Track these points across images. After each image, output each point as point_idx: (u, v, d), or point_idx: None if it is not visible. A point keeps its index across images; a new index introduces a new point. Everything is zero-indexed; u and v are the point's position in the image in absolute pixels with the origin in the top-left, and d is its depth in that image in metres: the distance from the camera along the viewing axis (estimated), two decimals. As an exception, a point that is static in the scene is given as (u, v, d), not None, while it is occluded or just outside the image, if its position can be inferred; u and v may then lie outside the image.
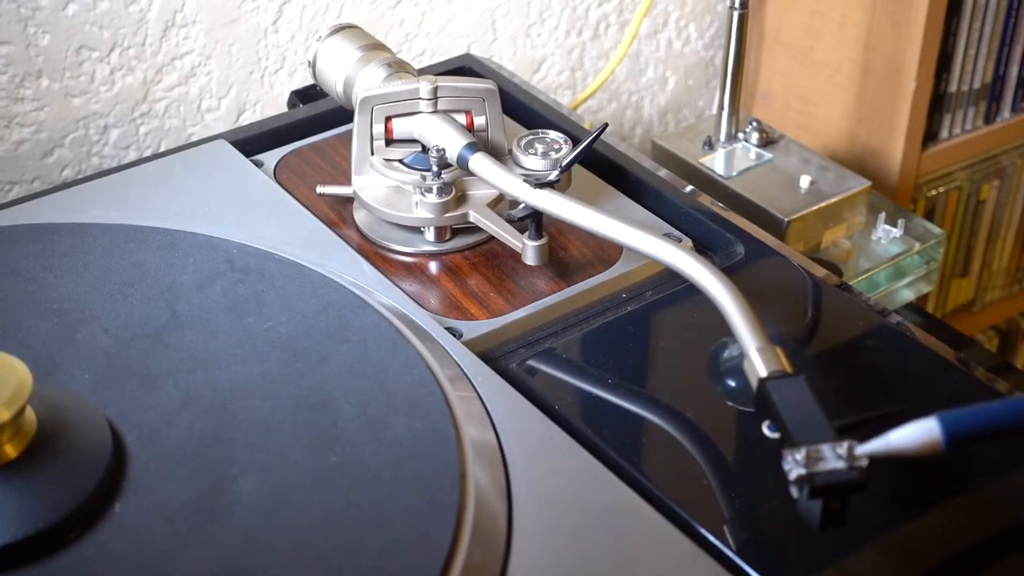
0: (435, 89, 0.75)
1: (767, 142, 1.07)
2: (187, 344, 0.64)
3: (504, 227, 0.73)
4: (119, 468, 0.56)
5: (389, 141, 0.76)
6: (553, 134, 0.78)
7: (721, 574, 0.54)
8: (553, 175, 0.72)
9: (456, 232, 0.76)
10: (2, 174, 1.02)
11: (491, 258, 0.76)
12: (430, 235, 0.76)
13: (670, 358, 0.69)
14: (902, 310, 1.02)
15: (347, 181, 0.78)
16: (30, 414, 0.55)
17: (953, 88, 1.24)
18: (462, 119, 0.76)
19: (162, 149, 1.07)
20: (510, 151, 0.77)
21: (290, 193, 0.78)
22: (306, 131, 0.87)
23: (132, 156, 1.07)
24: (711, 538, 0.57)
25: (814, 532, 0.54)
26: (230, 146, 0.83)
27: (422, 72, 0.83)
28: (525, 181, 0.71)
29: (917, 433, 0.53)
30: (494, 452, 0.59)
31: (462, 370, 0.64)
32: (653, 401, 0.65)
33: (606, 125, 0.75)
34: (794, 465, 0.53)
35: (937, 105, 1.24)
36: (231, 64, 1.08)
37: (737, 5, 1.01)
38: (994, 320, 1.46)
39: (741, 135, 1.07)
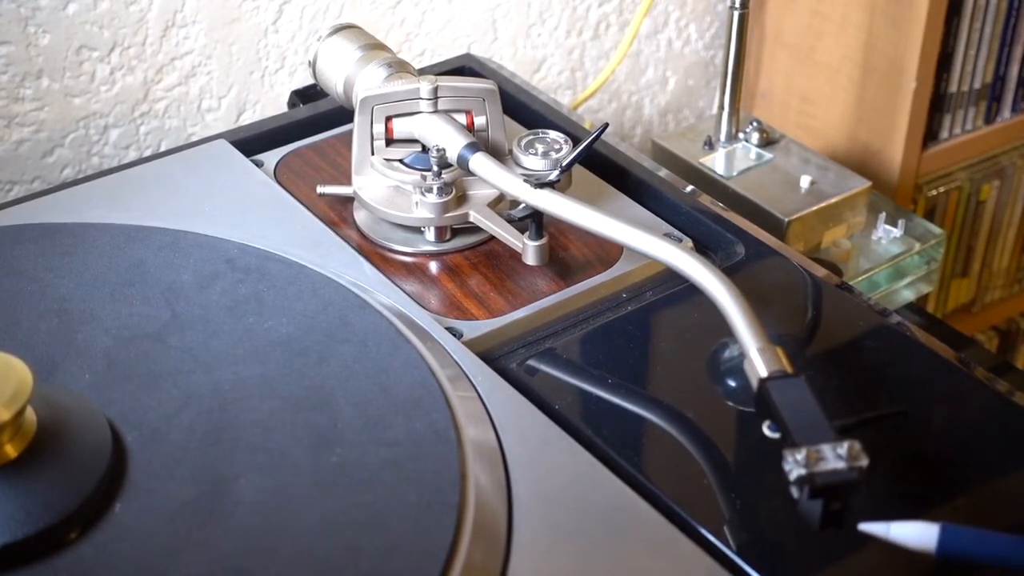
0: (435, 89, 0.75)
1: (767, 142, 1.07)
2: (187, 344, 0.64)
3: (504, 227, 0.73)
4: (119, 468, 0.56)
5: (389, 141, 0.76)
6: (553, 134, 0.78)
7: (721, 574, 0.54)
8: (553, 175, 0.72)
9: (456, 232, 0.76)
10: (2, 174, 1.02)
11: (491, 258, 0.76)
12: (430, 235, 0.76)
13: (670, 358, 0.69)
14: (902, 310, 1.02)
15: (347, 181, 0.78)
16: (30, 414, 0.55)
17: (953, 88, 1.24)
18: (462, 119, 0.76)
19: (162, 149, 1.07)
20: (510, 151, 0.77)
21: (290, 193, 0.78)
22: (306, 131, 0.87)
23: (132, 156, 1.07)
24: (711, 538, 0.57)
25: (814, 532, 0.54)
26: (230, 146, 0.83)
27: (422, 72, 0.83)
28: (525, 181, 0.71)
29: (917, 533, 0.54)
30: (494, 452, 0.59)
31: (462, 370, 0.64)
32: (653, 401, 0.65)
33: (606, 125, 0.75)
34: (795, 465, 0.53)
35: (937, 105, 1.23)
36: (231, 64, 1.08)
37: (737, 5, 1.01)
38: (994, 320, 1.46)
39: (741, 135, 1.07)
